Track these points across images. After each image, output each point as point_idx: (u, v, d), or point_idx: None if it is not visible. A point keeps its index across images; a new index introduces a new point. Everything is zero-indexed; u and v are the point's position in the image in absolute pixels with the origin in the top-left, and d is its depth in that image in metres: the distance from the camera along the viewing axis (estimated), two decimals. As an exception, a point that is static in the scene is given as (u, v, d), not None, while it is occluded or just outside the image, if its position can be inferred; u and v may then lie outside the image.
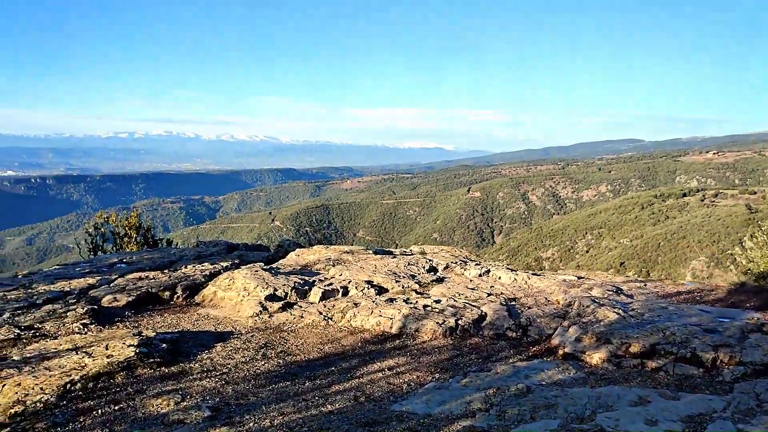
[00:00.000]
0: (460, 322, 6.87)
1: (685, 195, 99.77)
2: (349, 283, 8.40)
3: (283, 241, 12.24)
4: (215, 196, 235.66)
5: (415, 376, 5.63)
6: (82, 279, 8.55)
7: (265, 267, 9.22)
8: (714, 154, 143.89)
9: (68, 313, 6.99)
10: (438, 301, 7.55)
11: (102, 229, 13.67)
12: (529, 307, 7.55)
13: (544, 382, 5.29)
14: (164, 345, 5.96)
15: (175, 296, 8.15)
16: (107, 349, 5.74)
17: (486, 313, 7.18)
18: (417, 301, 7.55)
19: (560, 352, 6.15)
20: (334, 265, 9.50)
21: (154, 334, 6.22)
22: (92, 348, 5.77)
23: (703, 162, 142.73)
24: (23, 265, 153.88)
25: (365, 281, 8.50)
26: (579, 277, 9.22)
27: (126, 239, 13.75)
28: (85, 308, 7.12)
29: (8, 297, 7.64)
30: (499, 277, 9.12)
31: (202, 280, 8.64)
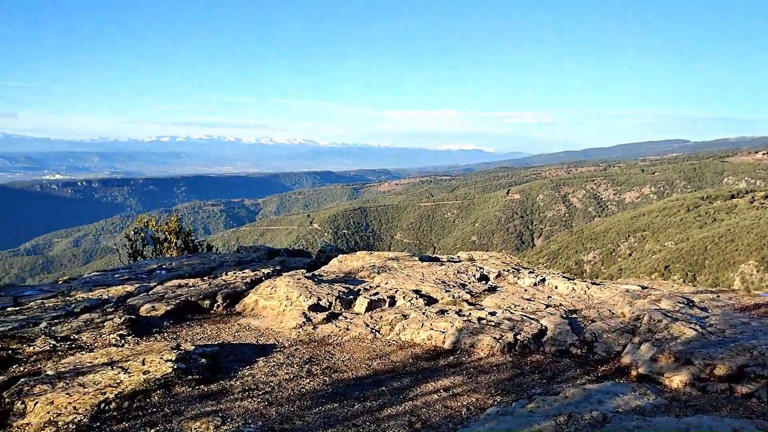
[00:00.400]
0: (518, 337, 6.33)
1: (733, 197, 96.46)
2: (396, 292, 7.93)
3: (324, 246, 11.86)
4: (255, 198, 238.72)
5: (474, 399, 5.13)
6: (120, 286, 8.29)
7: (307, 274, 8.82)
8: (764, 154, 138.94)
9: (105, 323, 6.70)
10: (493, 314, 7.02)
11: (142, 234, 13.53)
12: (593, 321, 6.96)
13: (621, 409, 4.73)
14: (203, 360, 5.59)
15: (215, 305, 7.81)
16: (144, 364, 5.40)
17: (546, 327, 6.63)
18: (470, 313, 7.04)
19: (633, 372, 5.57)
20: (378, 273, 9.05)
21: (193, 347, 5.85)
22: (128, 363, 5.44)
23: (753, 163, 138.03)
24: (70, 266, 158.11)
25: (413, 291, 8.02)
26: (643, 287, 8.57)
27: (166, 244, 13.57)
28: (123, 318, 6.82)
29: (46, 305, 7.41)
30: (556, 287, 8.54)
31: (243, 288, 8.29)
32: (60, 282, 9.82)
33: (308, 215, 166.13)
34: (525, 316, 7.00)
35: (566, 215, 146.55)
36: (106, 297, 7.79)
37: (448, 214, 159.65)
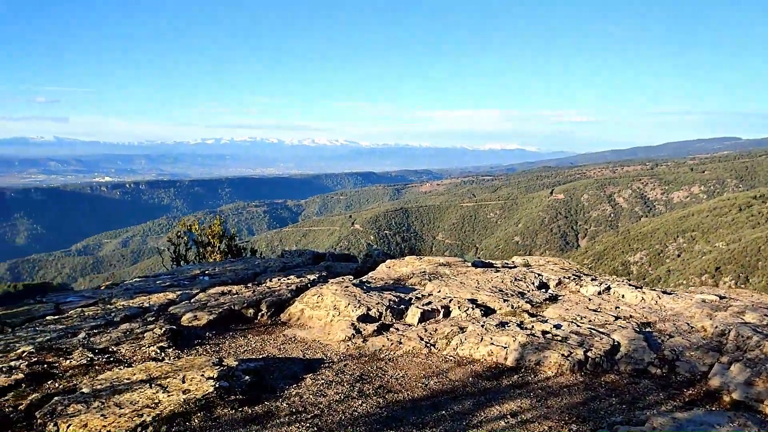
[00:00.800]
0: (589, 354, 5.73)
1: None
2: (450, 301, 7.40)
3: (371, 250, 11.40)
4: (297, 199, 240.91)
5: (546, 427, 4.57)
6: (161, 294, 7.98)
7: (354, 281, 8.37)
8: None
9: (145, 334, 6.37)
10: (558, 327, 6.43)
11: (185, 238, 13.32)
12: (670, 336, 6.30)
13: (720, 445, 4.12)
14: (247, 377, 5.17)
15: (260, 314, 7.43)
16: (184, 382, 5.01)
17: (619, 343, 6.00)
18: (533, 326, 6.47)
19: (726, 398, 4.92)
20: (430, 280, 8.53)
21: (236, 363, 5.44)
22: (168, 380, 5.06)
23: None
24: (119, 266, 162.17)
25: (468, 300, 7.48)
26: (720, 297, 7.83)
27: (209, 248, 13.32)
28: (163, 328, 6.47)
29: (87, 313, 7.14)
30: (623, 296, 7.87)
31: (288, 295, 7.88)
32: (102, 287, 9.62)
33: (350, 216, 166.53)
34: (594, 329, 6.38)
35: (612, 215, 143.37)
36: (147, 305, 7.49)
37: (490, 214, 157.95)
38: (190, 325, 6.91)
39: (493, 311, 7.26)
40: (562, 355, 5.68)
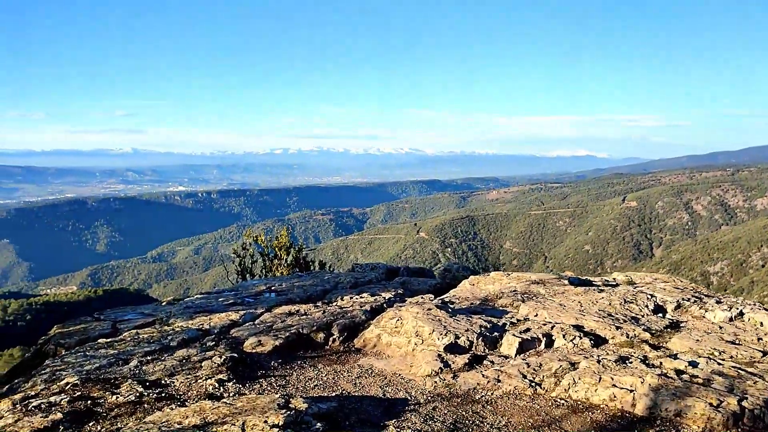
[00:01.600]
0: (744, 403, 4.52)
1: None
2: (552, 328, 6.30)
3: (450, 265, 10.37)
4: (362, 207, 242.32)
5: None
6: (224, 314, 7.22)
7: (436, 301, 7.38)
8: None
9: (203, 363, 5.57)
10: (694, 364, 5.23)
11: (250, 250, 12.67)
12: (843, 379, 5.00)
13: None
14: (318, 425, 4.26)
15: (331, 339, 6.54)
16: (244, 429, 4.15)
17: (779, 389, 4.76)
18: (661, 363, 5.29)
19: None
20: (523, 301, 7.43)
21: (306, 405, 4.54)
22: (225, 426, 4.21)
23: None
24: (191, 273, 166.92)
25: (573, 326, 6.35)
26: None
27: (276, 261, 12.61)
28: (223, 357, 5.66)
29: (141, 336, 6.44)
30: (761, 324, 6.55)
31: (362, 317, 6.96)
32: (164, 303, 9.00)
33: (415, 224, 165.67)
34: (740, 369, 5.15)
35: (689, 223, 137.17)
36: (208, 327, 6.73)
37: (559, 222, 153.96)
38: (253, 351, 6.09)
39: (605, 341, 6.11)
40: (710, 404, 4.50)
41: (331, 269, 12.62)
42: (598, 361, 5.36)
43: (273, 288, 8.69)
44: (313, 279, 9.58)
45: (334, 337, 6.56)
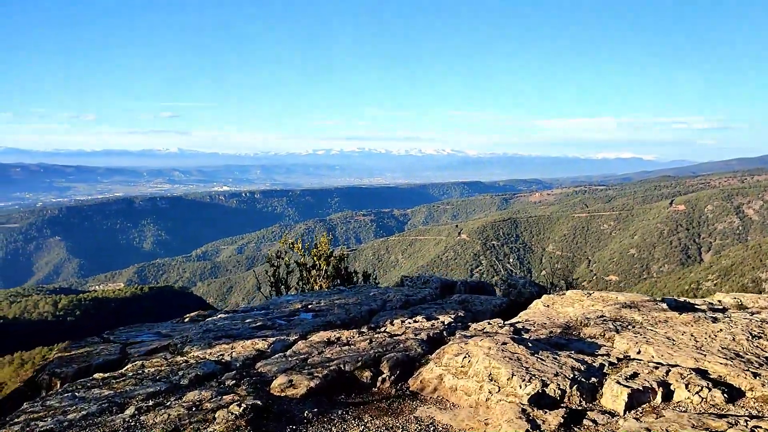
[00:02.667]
0: None
1: None
2: (667, 373, 4.83)
3: (515, 280, 8.89)
4: (403, 209, 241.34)
5: None
6: (249, 341, 5.95)
7: (511, 331, 5.98)
8: None
9: (218, 414, 4.31)
10: None
11: (285, 258, 11.33)
12: None
13: None
14: None
15: (380, 378, 5.21)
16: None
17: None
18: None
19: None
20: (617, 331, 5.96)
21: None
22: None
23: None
24: (234, 272, 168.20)
25: (693, 370, 4.88)
26: None
27: (314, 272, 11.24)
28: (243, 404, 4.40)
29: (146, 370, 5.23)
30: None
31: (419, 350, 5.60)
32: (186, 319, 7.83)
33: (456, 225, 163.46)
34: None
35: (740, 228, 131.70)
36: (228, 358, 5.49)
37: (603, 225, 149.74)
38: (282, 394, 4.81)
39: (741, 393, 4.62)
40: None
41: (377, 281, 11.25)
42: (747, 427, 3.90)
43: (310, 305, 7.42)
44: (357, 296, 8.24)
45: (384, 376, 5.23)
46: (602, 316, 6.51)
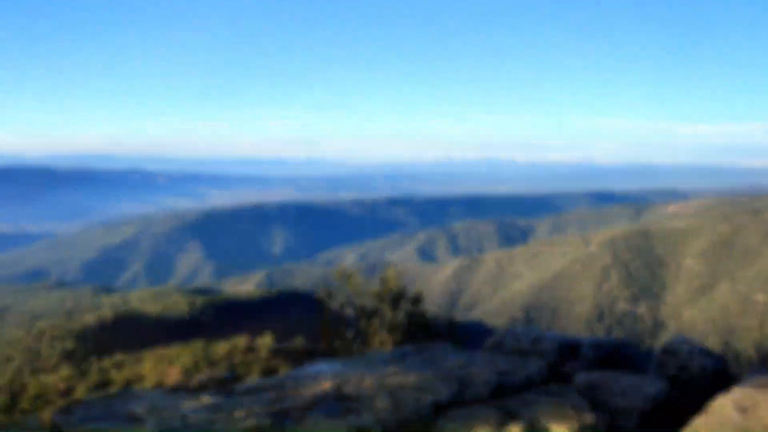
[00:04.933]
0: None
1: None
2: None
3: (677, 345, 5.70)
4: (527, 219, 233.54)
5: None
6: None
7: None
8: None
9: None
10: None
11: (341, 297, 8.41)
12: None
13: None
14: None
15: None
16: None
17: None
18: None
19: None
20: None
21: None
22: None
23: None
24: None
25: None
26: None
27: (375, 321, 8.10)
28: None
29: None
30: None
31: None
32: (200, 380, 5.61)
33: (584, 237, 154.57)
34: None
35: None
36: None
37: (750, 240, 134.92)
38: None
39: None
40: None
41: (462, 341, 8.02)
42: None
43: (342, 389, 4.83)
44: (423, 369, 5.47)
45: None
46: None
